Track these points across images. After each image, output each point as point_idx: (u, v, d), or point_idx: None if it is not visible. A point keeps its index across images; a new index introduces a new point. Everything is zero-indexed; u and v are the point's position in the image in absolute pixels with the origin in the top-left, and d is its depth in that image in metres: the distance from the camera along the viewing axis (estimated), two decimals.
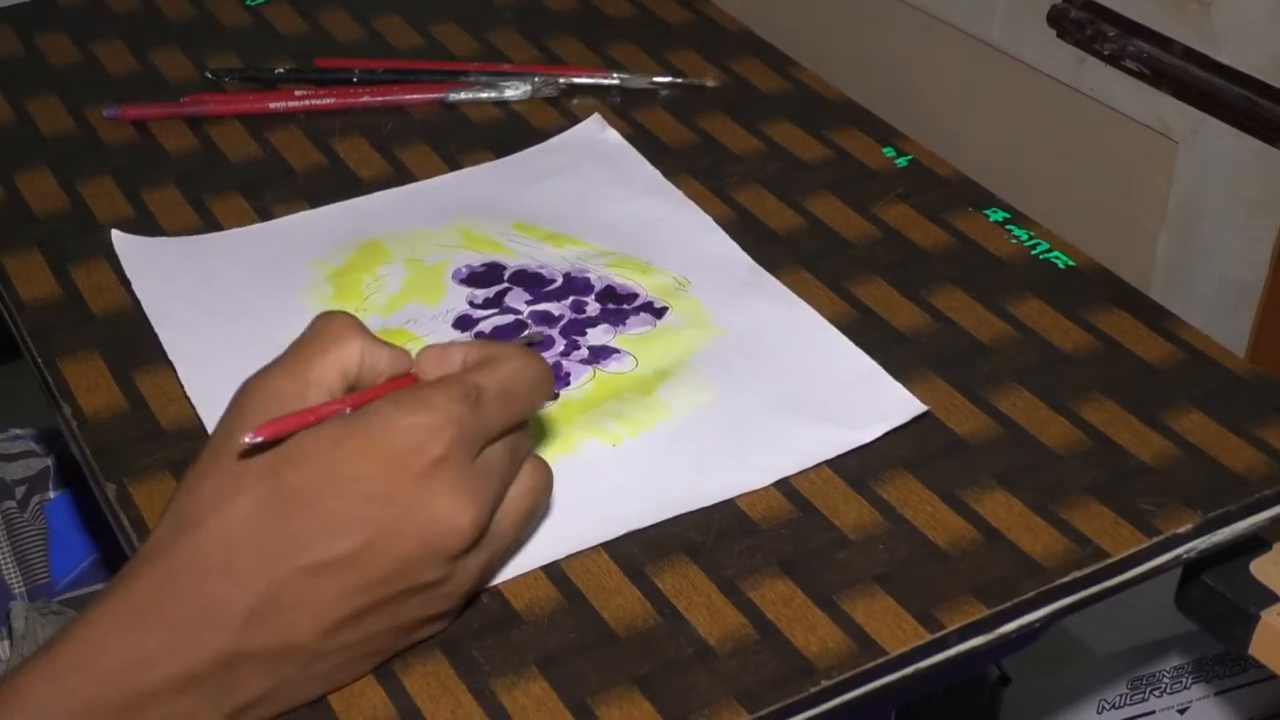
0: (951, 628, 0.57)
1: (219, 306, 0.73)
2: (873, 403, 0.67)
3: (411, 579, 0.52)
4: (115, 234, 0.77)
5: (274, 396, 0.53)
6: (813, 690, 0.55)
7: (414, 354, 0.56)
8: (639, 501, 0.62)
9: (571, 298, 0.73)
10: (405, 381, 0.55)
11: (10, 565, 0.86)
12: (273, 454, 0.51)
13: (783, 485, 0.63)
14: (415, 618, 0.54)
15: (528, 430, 0.56)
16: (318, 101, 0.87)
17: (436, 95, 0.88)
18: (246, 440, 0.50)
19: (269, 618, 0.50)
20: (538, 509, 0.58)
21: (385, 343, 0.55)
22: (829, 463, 0.64)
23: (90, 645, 0.50)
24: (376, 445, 0.51)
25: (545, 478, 0.57)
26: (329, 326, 0.54)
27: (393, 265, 0.76)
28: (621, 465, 0.64)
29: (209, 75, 0.91)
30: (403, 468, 0.51)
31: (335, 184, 0.82)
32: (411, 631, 0.55)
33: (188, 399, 0.67)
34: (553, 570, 0.60)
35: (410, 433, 0.51)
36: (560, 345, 0.71)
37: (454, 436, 0.51)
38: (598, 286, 0.74)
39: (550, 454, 0.64)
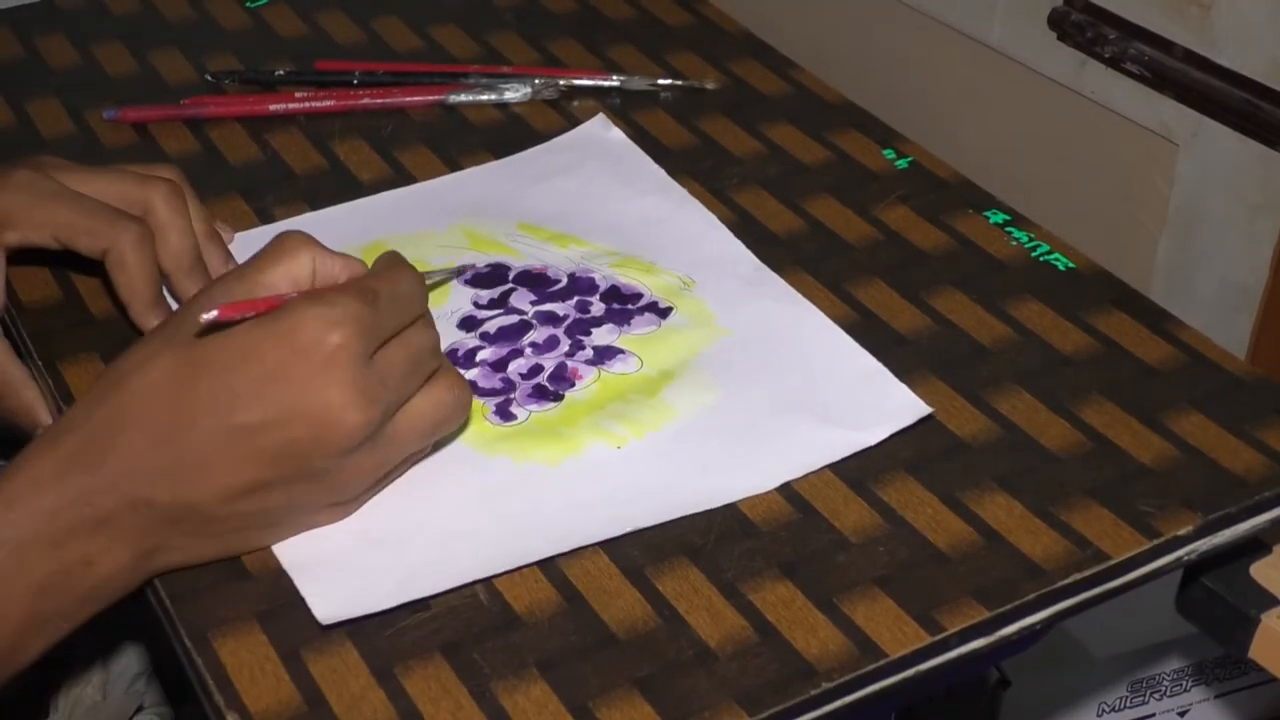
0: (952, 630, 0.57)
1: None
2: (878, 404, 0.67)
3: (301, 463, 0.57)
4: None
5: (223, 295, 0.58)
6: (813, 693, 0.55)
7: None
8: (643, 503, 0.62)
9: (576, 298, 0.73)
10: None
11: None
12: (196, 332, 0.57)
13: (783, 487, 0.63)
14: (310, 502, 0.59)
15: (432, 343, 0.60)
16: (318, 104, 0.87)
17: (436, 97, 0.89)
18: (204, 319, 0.55)
19: (173, 474, 0.56)
20: (445, 422, 0.61)
21: (338, 254, 0.60)
22: (829, 465, 0.64)
23: (27, 486, 0.56)
24: (282, 332, 0.56)
25: (457, 394, 0.61)
26: (281, 242, 0.60)
27: None
28: (626, 467, 0.64)
29: (209, 77, 0.91)
30: (303, 356, 0.56)
31: (335, 186, 0.82)
32: (309, 514, 0.60)
33: None
34: (553, 573, 0.60)
35: (312, 324, 0.56)
36: (565, 345, 0.71)
37: (352, 330, 0.56)
38: (602, 286, 0.74)
39: (555, 456, 0.64)
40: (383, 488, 0.62)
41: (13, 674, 0.57)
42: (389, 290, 0.59)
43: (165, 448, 0.56)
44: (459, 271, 0.74)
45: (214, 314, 0.55)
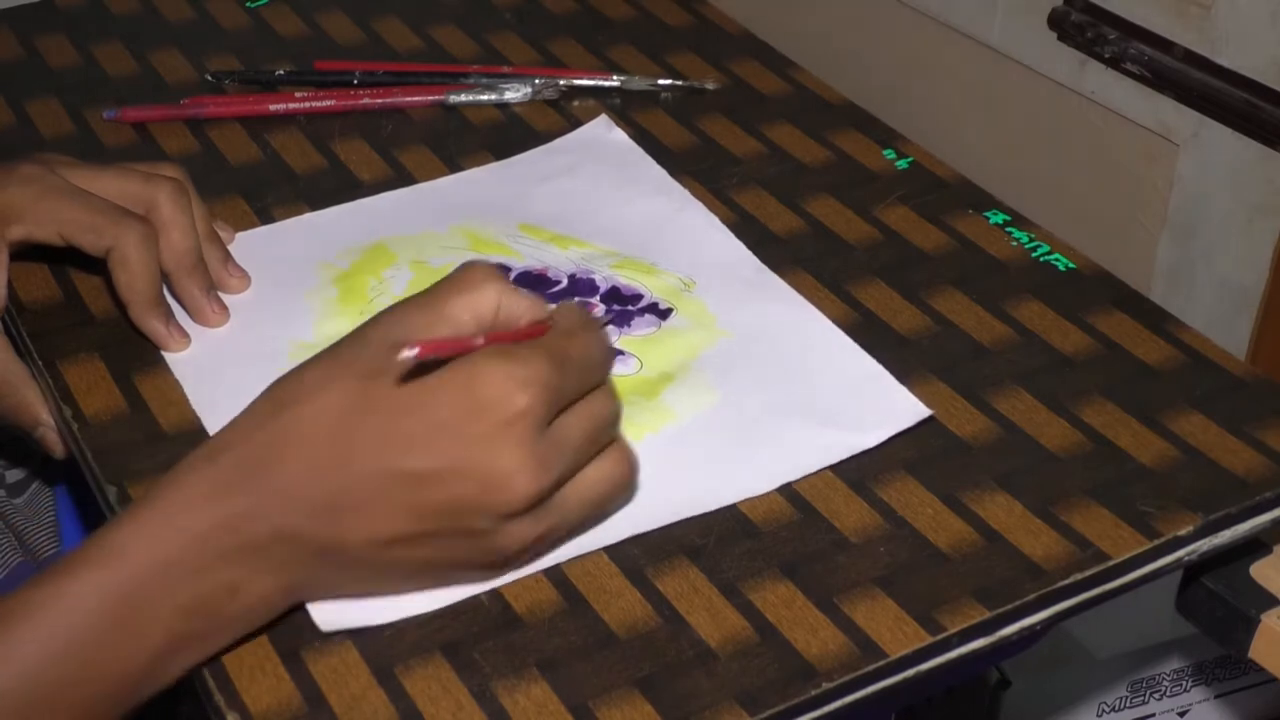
0: (952, 630, 0.57)
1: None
2: (877, 406, 0.67)
3: (463, 520, 0.54)
4: None
5: (403, 324, 0.56)
6: (814, 693, 0.55)
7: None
8: (643, 505, 0.62)
9: (576, 299, 0.73)
10: (541, 329, 0.57)
11: (9, 545, 0.85)
12: (375, 364, 0.54)
13: (784, 488, 0.63)
14: (460, 560, 0.56)
15: (613, 414, 0.57)
16: (318, 104, 0.87)
17: (436, 97, 0.88)
18: (404, 356, 0.52)
19: (329, 513, 0.54)
20: (612, 498, 0.59)
21: (525, 294, 0.58)
22: (830, 465, 0.64)
23: (177, 505, 0.54)
24: (464, 385, 0.53)
25: (625, 469, 0.58)
26: (467, 273, 0.57)
27: (398, 268, 0.76)
28: None
29: (209, 77, 0.91)
30: (483, 412, 0.53)
31: (335, 186, 0.82)
32: (454, 571, 0.57)
33: (190, 405, 0.67)
34: (554, 573, 0.60)
35: (498, 381, 0.53)
36: None
37: (538, 394, 0.53)
38: (603, 288, 0.74)
39: None
40: (541, 557, 0.59)
41: (150, 695, 0.55)
42: (581, 355, 0.56)
43: (323, 481, 0.54)
44: None
45: (415, 351, 0.52)
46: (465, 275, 0.57)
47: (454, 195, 0.81)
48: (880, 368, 0.69)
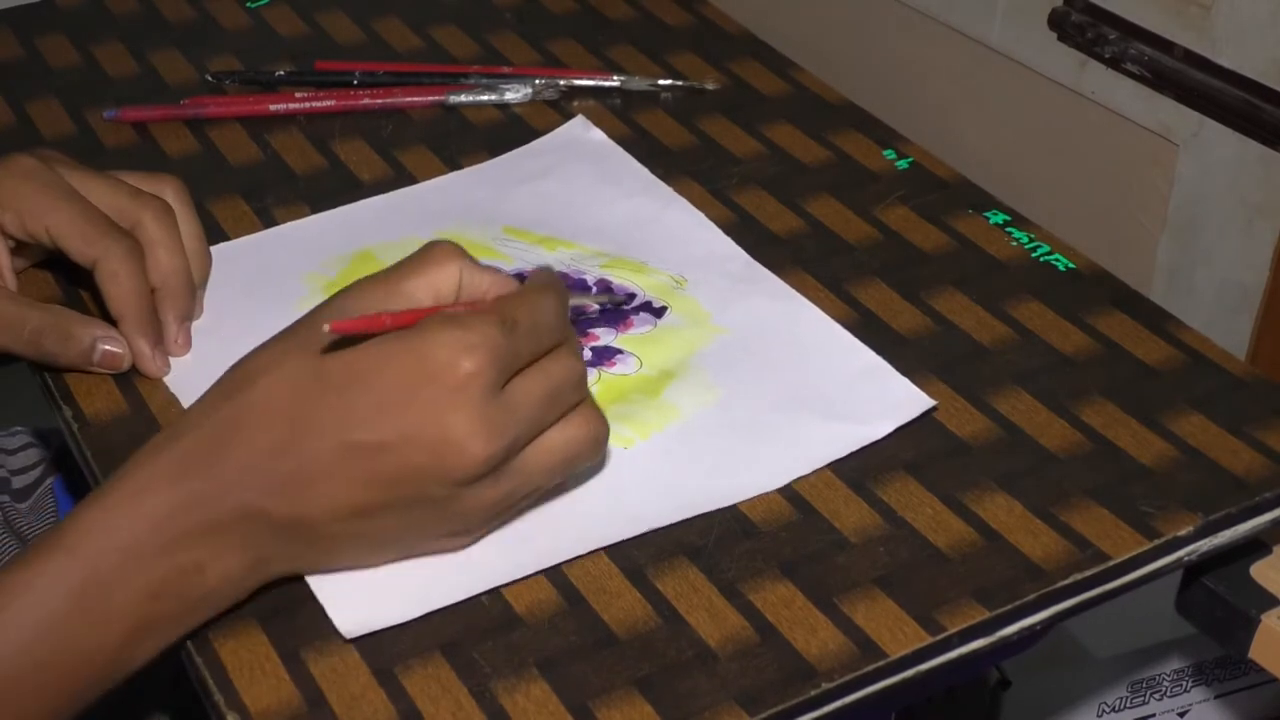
0: (952, 630, 0.57)
1: (211, 324, 0.72)
2: (881, 398, 0.67)
3: (421, 489, 0.55)
4: None
5: (359, 302, 0.56)
6: (813, 693, 0.55)
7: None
8: (653, 503, 0.62)
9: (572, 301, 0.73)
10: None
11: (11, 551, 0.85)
12: (327, 340, 0.55)
13: (784, 487, 0.63)
14: (427, 528, 0.57)
15: (573, 375, 0.57)
16: (318, 104, 0.87)
17: (437, 98, 0.88)
18: (326, 328, 0.53)
19: (289, 489, 0.54)
20: (578, 461, 0.59)
21: (487, 268, 0.58)
22: (830, 465, 0.64)
23: (137, 489, 0.55)
24: (411, 353, 0.54)
25: (594, 431, 0.58)
26: (429, 251, 0.57)
27: None
28: (634, 467, 0.64)
29: (209, 77, 0.91)
30: (431, 380, 0.53)
31: (335, 186, 0.82)
32: (425, 540, 0.58)
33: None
34: (554, 573, 0.60)
35: (444, 347, 0.53)
36: None
37: (485, 358, 0.53)
38: (595, 288, 0.74)
39: None
40: (508, 520, 0.60)
41: (123, 677, 0.56)
42: (529, 317, 0.55)
43: (281, 459, 0.54)
44: (614, 301, 0.72)
45: (327, 328, 0.53)
46: (426, 253, 0.57)
47: (434, 201, 0.81)
48: (879, 359, 0.69)
